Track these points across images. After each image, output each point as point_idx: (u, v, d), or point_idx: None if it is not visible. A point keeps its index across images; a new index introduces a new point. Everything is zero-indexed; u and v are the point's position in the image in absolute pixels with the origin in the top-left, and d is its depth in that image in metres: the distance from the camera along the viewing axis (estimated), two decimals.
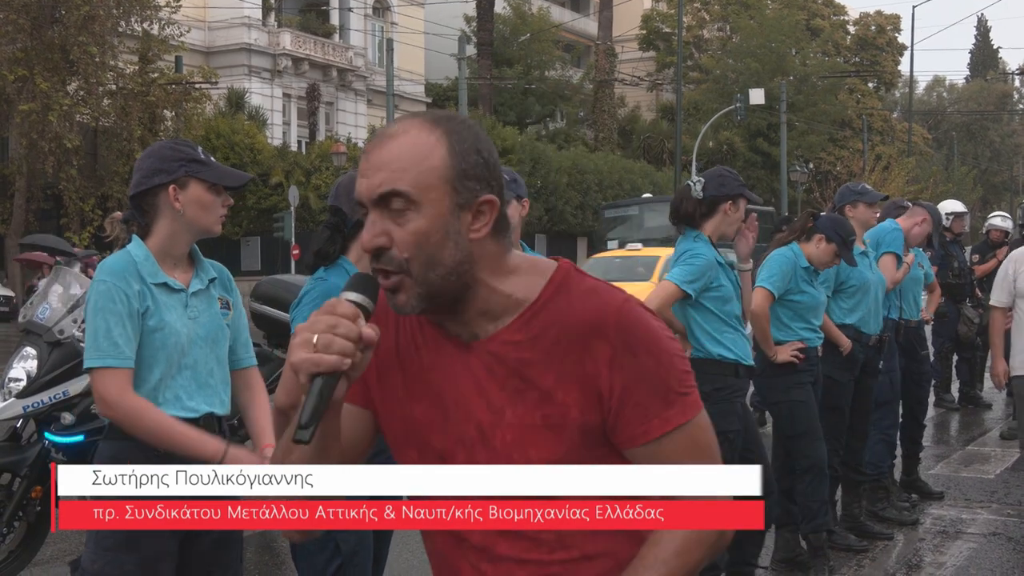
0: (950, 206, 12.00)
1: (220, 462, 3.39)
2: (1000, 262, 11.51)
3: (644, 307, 1.91)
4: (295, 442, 1.73)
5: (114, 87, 28.94)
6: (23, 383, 5.94)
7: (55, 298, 6.16)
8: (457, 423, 1.90)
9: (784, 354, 6.28)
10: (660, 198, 30.06)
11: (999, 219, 13.35)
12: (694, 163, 41.37)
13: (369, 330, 1.76)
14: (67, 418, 5.88)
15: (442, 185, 1.81)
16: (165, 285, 3.46)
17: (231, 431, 5.46)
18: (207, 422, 3.50)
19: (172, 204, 3.46)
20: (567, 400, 1.85)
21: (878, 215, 7.42)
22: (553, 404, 1.85)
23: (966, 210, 11.98)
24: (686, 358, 1.93)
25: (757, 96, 41.21)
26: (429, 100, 50.64)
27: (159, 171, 3.46)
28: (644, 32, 56.06)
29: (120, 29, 28.71)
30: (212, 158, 3.58)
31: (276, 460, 1.91)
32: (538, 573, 1.90)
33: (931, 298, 10.05)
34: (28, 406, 5.90)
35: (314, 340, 1.71)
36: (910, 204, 8.19)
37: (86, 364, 3.39)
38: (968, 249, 13.85)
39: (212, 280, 3.60)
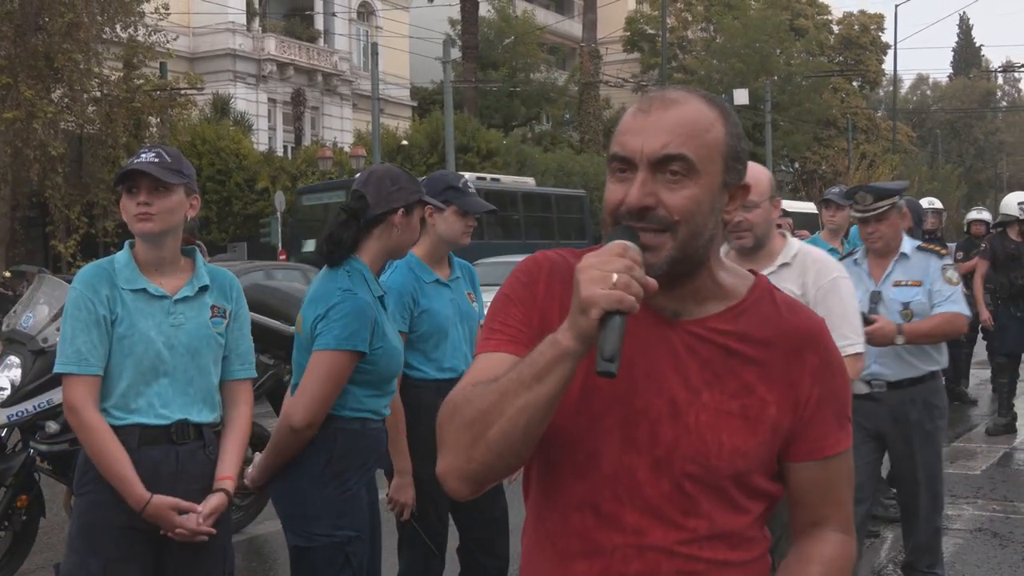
0: (920, 202, 12.03)
1: (140, 511, 3.40)
2: (982, 257, 11.54)
3: None
4: (601, 375, 1.67)
5: (99, 94, 28.83)
6: (7, 392, 5.92)
7: (39, 306, 6.15)
8: (645, 395, 1.87)
9: None
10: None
11: (976, 212, 13.41)
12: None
13: (653, 281, 1.72)
14: (52, 427, 5.87)
15: (720, 159, 1.86)
16: (144, 291, 3.46)
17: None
18: (179, 429, 3.49)
19: (121, 213, 3.52)
20: (768, 396, 1.89)
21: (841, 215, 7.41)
22: (753, 396, 1.88)
23: (937, 206, 11.97)
24: None
25: (742, 96, 41.31)
26: (415, 103, 50.64)
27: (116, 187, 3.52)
28: (628, 34, 56.16)
29: (104, 36, 28.63)
30: (143, 155, 3.49)
31: (505, 390, 1.76)
32: (685, 569, 1.87)
33: None
34: (12, 415, 5.89)
35: (614, 278, 1.67)
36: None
37: (55, 369, 3.45)
38: (952, 246, 13.89)
39: (204, 288, 3.58)
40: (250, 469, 3.93)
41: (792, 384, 1.89)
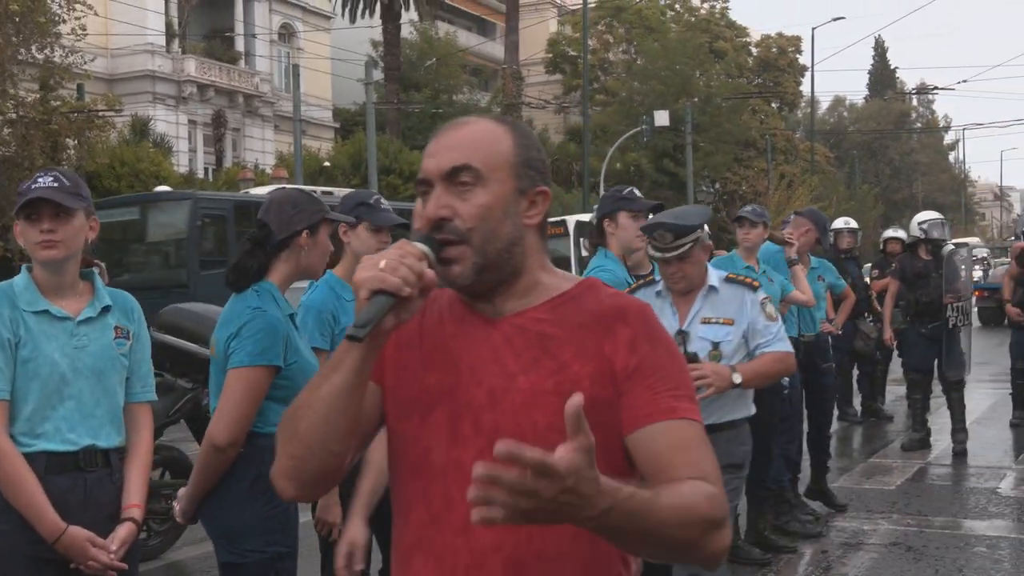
0: (836, 223, 12.23)
1: (53, 543, 3.34)
2: (892, 276, 11.73)
3: None
4: (349, 338, 1.82)
5: (15, 116, 28.36)
6: None
7: None
8: (468, 388, 1.97)
9: None
10: (174, 194, 24.23)
11: (892, 231, 13.65)
12: (602, 184, 41.69)
13: (431, 273, 1.87)
14: None
15: (508, 167, 1.99)
16: (46, 313, 3.41)
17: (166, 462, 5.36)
18: (87, 455, 3.44)
19: (17, 240, 3.47)
20: (581, 372, 1.94)
21: (753, 234, 7.41)
22: (567, 373, 1.93)
23: (852, 226, 12.17)
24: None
25: (662, 118, 41.70)
26: (337, 125, 50.45)
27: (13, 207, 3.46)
28: (550, 56, 56.42)
29: (20, 57, 28.20)
30: (42, 180, 3.42)
31: (313, 383, 1.95)
32: (514, 557, 1.90)
33: (844, 306, 10.25)
34: None
35: (381, 264, 1.82)
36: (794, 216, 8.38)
37: None
38: (868, 265, 14.14)
39: (107, 308, 3.54)
40: (177, 503, 3.91)
41: (606, 357, 1.95)
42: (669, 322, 4.79)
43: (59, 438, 3.40)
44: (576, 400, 1.59)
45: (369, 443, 2.09)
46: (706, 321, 4.90)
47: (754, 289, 4.91)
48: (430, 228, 1.94)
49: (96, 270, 3.68)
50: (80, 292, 3.53)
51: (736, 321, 4.81)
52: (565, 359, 1.95)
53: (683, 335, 4.86)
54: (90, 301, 3.52)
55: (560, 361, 1.95)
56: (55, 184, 3.39)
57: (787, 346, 4.94)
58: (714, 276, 4.91)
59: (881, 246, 13.75)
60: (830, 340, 9.07)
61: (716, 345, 4.87)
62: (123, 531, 3.48)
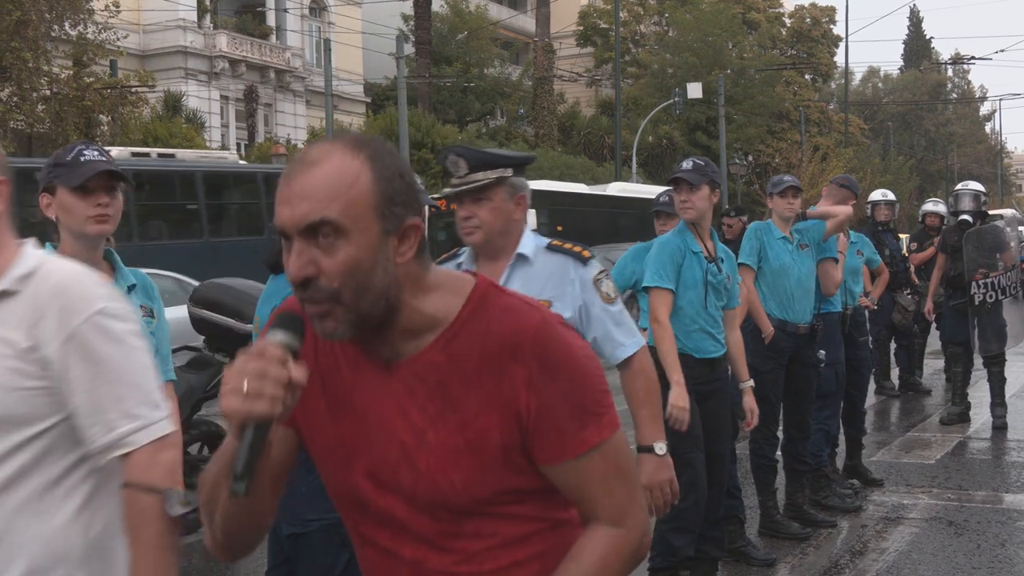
0: (873, 195, 12.13)
1: None
2: (936, 250, 11.67)
3: (563, 324, 1.93)
4: (232, 495, 1.75)
5: (48, 92, 28.53)
6: None
7: None
8: (380, 443, 1.91)
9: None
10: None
11: (932, 204, 13.52)
12: (634, 158, 41.57)
13: (298, 372, 1.75)
14: None
15: (370, 212, 1.79)
16: None
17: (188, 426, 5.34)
18: None
19: (45, 212, 3.41)
20: (488, 424, 1.86)
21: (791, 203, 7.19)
22: (474, 427, 1.87)
23: (889, 198, 12.04)
24: (604, 377, 1.95)
25: (695, 90, 41.48)
26: (368, 100, 50.46)
27: (39, 180, 3.42)
28: (581, 28, 56.21)
29: (53, 34, 28.32)
30: (90, 154, 3.41)
31: (217, 484, 1.91)
32: None
33: (879, 282, 10.16)
34: None
35: (244, 388, 1.71)
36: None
37: None
38: (906, 237, 14.01)
39: (132, 287, 3.51)
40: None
41: (508, 401, 1.86)
42: None
43: None
44: None
45: (285, 483, 2.06)
46: None
47: (584, 260, 3.70)
48: (296, 287, 1.80)
49: (113, 250, 3.63)
50: (103, 271, 3.49)
51: (556, 302, 3.64)
52: (470, 411, 1.87)
53: None
54: (114, 280, 3.49)
55: (464, 414, 1.87)
56: (104, 158, 3.37)
57: (638, 340, 3.80)
58: (529, 242, 3.71)
59: (920, 219, 13.62)
60: (867, 314, 9.01)
61: None
62: None
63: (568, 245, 3.74)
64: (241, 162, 24.29)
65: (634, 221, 28.57)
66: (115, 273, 3.50)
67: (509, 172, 3.60)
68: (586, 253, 3.72)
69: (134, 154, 19.50)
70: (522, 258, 3.67)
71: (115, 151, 19.36)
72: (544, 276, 3.68)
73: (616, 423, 1.95)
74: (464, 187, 3.57)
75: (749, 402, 5.95)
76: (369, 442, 1.92)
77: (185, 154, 22.73)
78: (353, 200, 1.78)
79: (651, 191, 32.71)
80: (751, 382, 6.01)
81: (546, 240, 3.77)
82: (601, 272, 3.73)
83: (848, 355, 8.20)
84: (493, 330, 1.88)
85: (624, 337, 3.73)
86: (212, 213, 22.05)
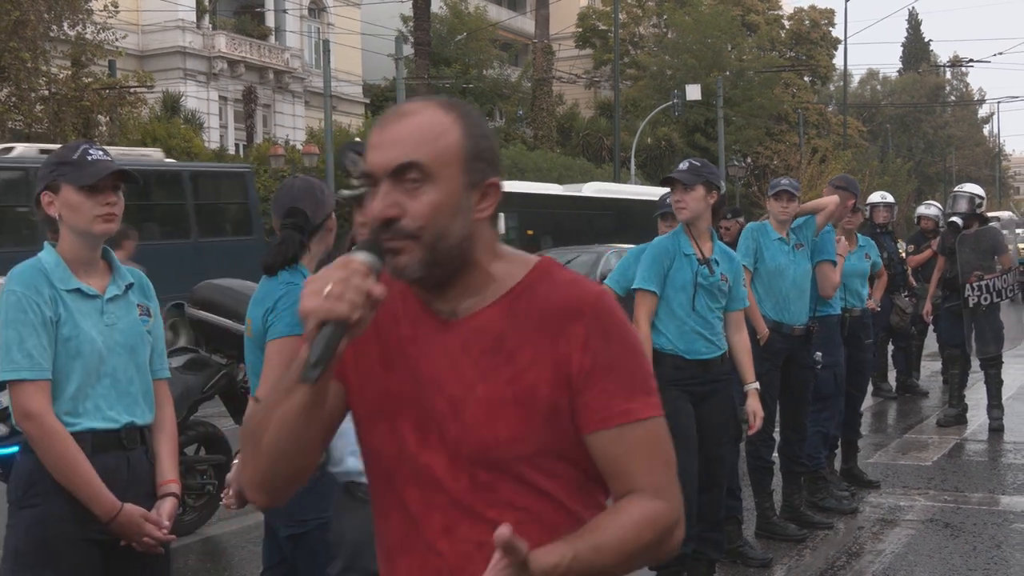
0: (871, 197, 12.15)
1: (108, 521, 3.32)
2: (934, 252, 11.70)
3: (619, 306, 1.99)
4: (302, 381, 1.80)
5: (47, 92, 28.51)
6: None
7: None
8: (429, 395, 1.93)
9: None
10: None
11: (925, 208, 13.53)
12: (633, 159, 41.59)
13: (378, 288, 1.81)
14: (0, 430, 5.79)
15: (457, 162, 1.90)
16: (78, 291, 3.36)
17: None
18: (128, 433, 3.41)
19: (47, 210, 3.39)
20: (538, 378, 1.90)
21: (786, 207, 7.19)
22: (524, 381, 1.90)
23: (888, 200, 12.04)
24: (648, 360, 2.00)
25: (694, 92, 41.48)
26: (367, 101, 50.42)
27: (39, 179, 3.41)
28: (580, 30, 56.20)
29: (52, 34, 28.31)
30: (96, 153, 3.40)
31: (269, 406, 1.93)
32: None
33: (878, 284, 10.17)
34: None
35: (326, 290, 1.77)
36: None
37: (3, 375, 3.28)
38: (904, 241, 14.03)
39: (129, 286, 3.52)
40: (228, 489, 3.95)
41: (561, 360, 1.90)
42: None
43: (100, 416, 3.36)
44: (504, 531, 1.71)
45: (332, 438, 2.07)
46: None
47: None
48: (378, 227, 1.88)
49: (109, 248, 3.60)
50: (101, 269, 3.49)
51: None
52: (523, 364, 1.91)
53: None
54: (112, 278, 3.48)
55: (517, 367, 1.91)
56: (109, 158, 3.38)
57: None
58: None
59: (916, 221, 13.64)
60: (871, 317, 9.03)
61: None
62: (169, 505, 3.46)
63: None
64: (169, 160, 22.39)
65: (611, 222, 28.09)
66: (113, 271, 3.50)
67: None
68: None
69: (42, 151, 17.74)
70: None
71: (20, 147, 18.74)
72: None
73: (660, 410, 1.97)
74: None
75: (752, 404, 5.93)
76: (418, 394, 1.94)
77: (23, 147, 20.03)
78: (442, 148, 1.89)
79: (629, 191, 32.39)
80: (756, 384, 6.00)
81: None
82: None
83: (852, 356, 8.21)
84: (556, 294, 1.94)
85: None
86: (129, 215, 19.58)
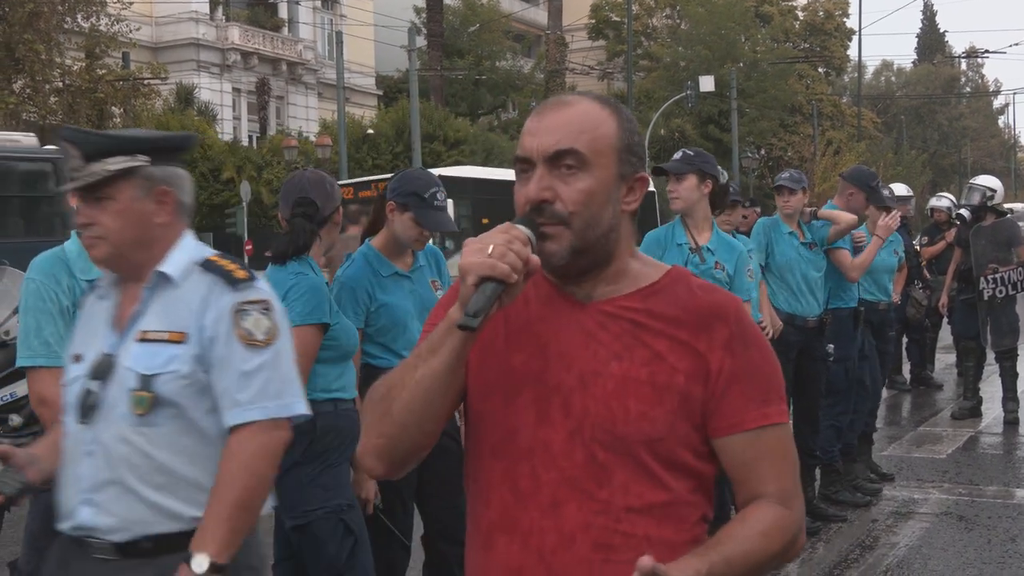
0: (893, 187, 12.10)
1: None
2: (948, 244, 11.66)
3: None
4: (461, 327, 1.82)
5: (61, 84, 28.57)
6: None
7: (1, 299, 6.08)
8: (557, 372, 1.96)
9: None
10: None
11: (936, 200, 13.47)
12: (646, 151, 41.43)
13: (536, 258, 1.85)
14: (15, 420, 5.80)
15: (612, 153, 1.97)
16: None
17: None
18: None
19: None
20: (677, 365, 1.94)
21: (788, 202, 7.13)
22: (663, 363, 1.94)
23: (907, 193, 12.03)
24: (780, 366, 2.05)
25: (707, 83, 41.39)
26: (380, 92, 50.43)
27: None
28: (594, 21, 56.09)
29: (66, 26, 28.36)
30: None
31: (406, 369, 1.93)
32: (601, 541, 1.92)
33: (898, 278, 10.14)
34: None
35: (489, 249, 1.80)
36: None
37: (18, 362, 3.33)
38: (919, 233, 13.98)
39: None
40: None
41: (702, 355, 1.94)
42: (103, 336, 2.67)
43: None
44: (646, 563, 1.74)
45: (453, 413, 2.09)
46: (144, 337, 2.62)
47: (234, 283, 2.64)
48: (530, 210, 1.92)
49: None
50: None
51: (188, 337, 2.62)
52: (660, 350, 1.94)
53: (107, 361, 2.62)
54: None
55: (655, 351, 1.94)
56: None
57: (263, 408, 2.60)
58: (179, 257, 2.71)
59: (928, 214, 13.60)
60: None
61: (147, 383, 2.56)
62: None
63: (225, 262, 2.71)
64: (48, 147, 18.08)
65: None
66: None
67: (143, 160, 2.68)
68: (242, 274, 2.68)
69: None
70: (164, 278, 2.68)
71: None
72: (184, 303, 2.65)
73: (788, 418, 2.01)
74: (78, 183, 2.66)
75: None
76: (545, 370, 1.96)
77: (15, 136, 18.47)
78: (599, 138, 1.95)
79: None
80: None
81: (209, 252, 2.75)
82: (254, 303, 2.65)
83: (878, 349, 8.25)
84: (697, 296, 2.00)
85: (247, 396, 2.59)
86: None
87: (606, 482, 1.91)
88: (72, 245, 3.45)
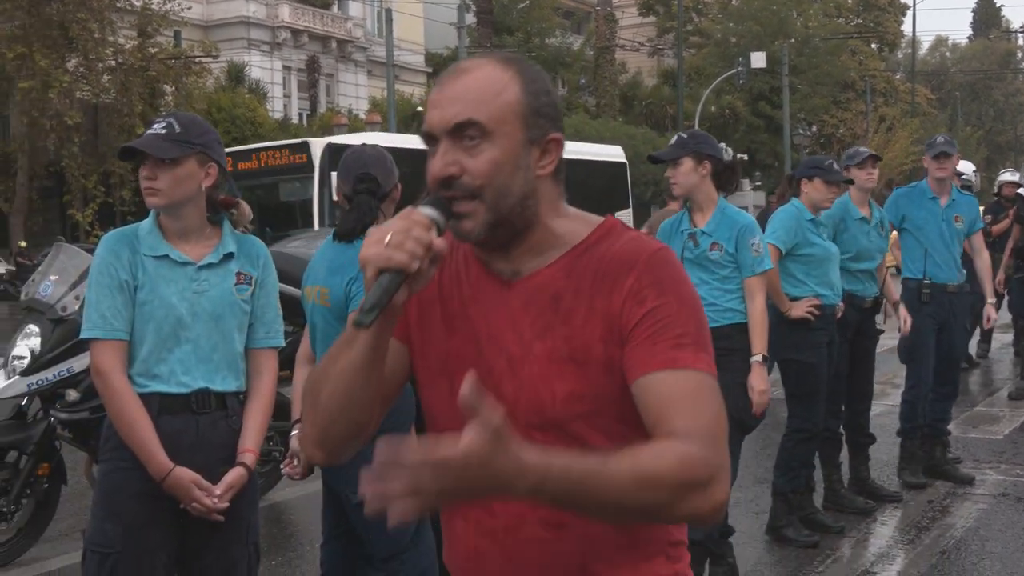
0: (1001, 175, 11.98)
1: (160, 482, 3.40)
2: (1012, 221, 11.49)
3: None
4: (356, 325, 1.78)
5: (114, 63, 28.84)
6: (27, 361, 5.94)
7: (57, 275, 6.14)
8: (489, 356, 1.93)
9: (799, 310, 6.21)
10: None
11: (1009, 174, 13.26)
12: (696, 128, 41.21)
13: (440, 241, 1.80)
14: (72, 395, 5.88)
15: (515, 119, 1.89)
16: (167, 257, 3.44)
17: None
18: (199, 398, 3.46)
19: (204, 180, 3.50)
20: (592, 335, 1.87)
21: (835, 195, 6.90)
22: (579, 338, 1.87)
23: (971, 171, 11.87)
24: (706, 320, 1.91)
25: (759, 59, 41.10)
26: (429, 70, 50.46)
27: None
28: None
29: (119, 5, 28.59)
30: (160, 127, 3.44)
31: (329, 361, 1.93)
32: (549, 519, 1.88)
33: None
34: (32, 384, 5.90)
35: (387, 239, 1.76)
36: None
37: (81, 334, 3.44)
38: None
39: (230, 255, 3.54)
40: (291, 459, 4.03)
41: (613, 314, 1.86)
42: None
43: (173, 380, 3.44)
44: (469, 379, 1.59)
45: (394, 401, 2.06)
46: None
47: None
48: (438, 186, 1.87)
49: (228, 215, 3.63)
50: (207, 237, 3.53)
51: None
52: (578, 322, 1.88)
53: None
54: (215, 247, 3.53)
55: (574, 325, 1.89)
56: (163, 131, 3.39)
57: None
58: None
59: (996, 190, 13.38)
60: None
61: None
62: (232, 476, 3.49)
63: None
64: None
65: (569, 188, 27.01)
66: (220, 239, 3.55)
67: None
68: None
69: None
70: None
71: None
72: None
73: (713, 368, 1.86)
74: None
75: (754, 379, 5.41)
76: (478, 355, 1.94)
77: None
78: (500, 105, 1.88)
79: (587, 151, 31.04)
80: (759, 357, 5.45)
81: None
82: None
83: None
84: (614, 251, 1.92)
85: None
86: None
87: None
88: (147, 223, 3.50)
